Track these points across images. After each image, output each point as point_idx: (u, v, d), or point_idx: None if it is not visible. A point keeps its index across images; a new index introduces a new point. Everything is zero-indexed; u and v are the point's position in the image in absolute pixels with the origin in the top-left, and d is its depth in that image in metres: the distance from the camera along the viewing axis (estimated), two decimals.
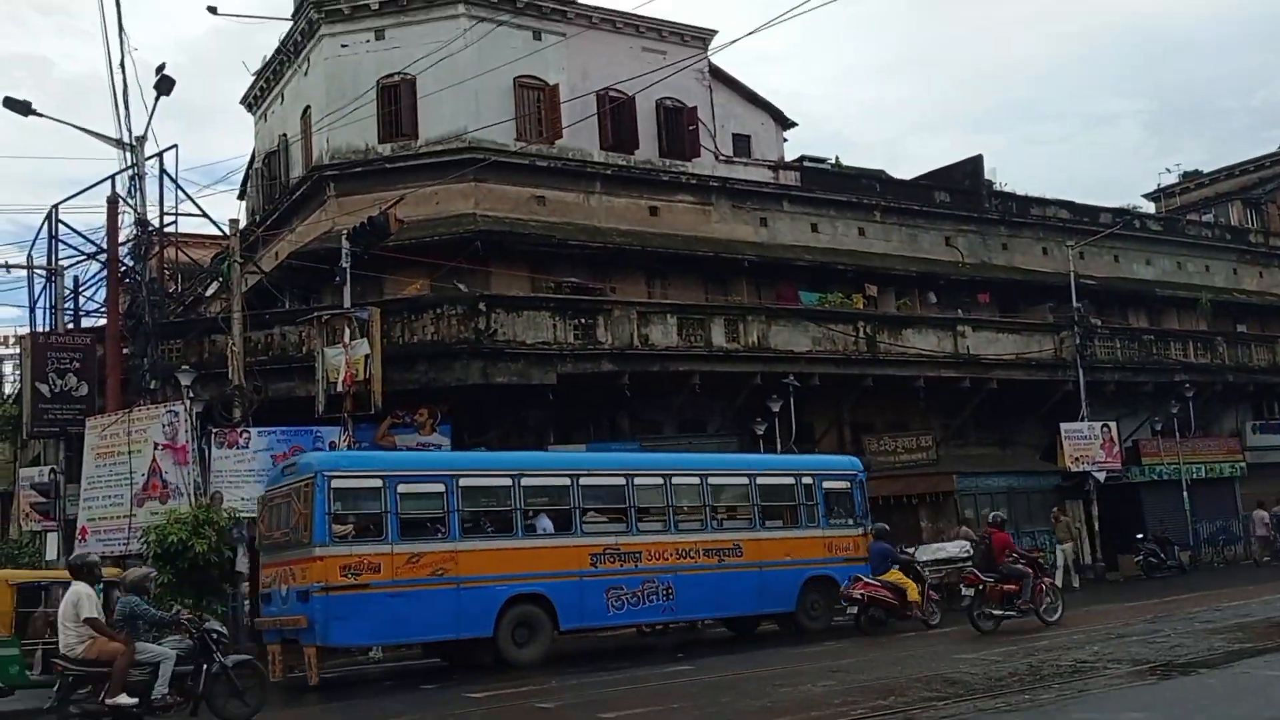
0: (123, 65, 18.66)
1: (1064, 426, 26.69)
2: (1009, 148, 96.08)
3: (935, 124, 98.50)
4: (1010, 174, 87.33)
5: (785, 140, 30.12)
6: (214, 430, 18.56)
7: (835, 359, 24.33)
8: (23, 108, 20.06)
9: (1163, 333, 31.88)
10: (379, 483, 13.84)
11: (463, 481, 14.39)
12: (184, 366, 18.93)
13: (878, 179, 31.06)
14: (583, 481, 15.38)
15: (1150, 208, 42.71)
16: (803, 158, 30.79)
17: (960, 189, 31.48)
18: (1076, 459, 26.59)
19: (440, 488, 14.24)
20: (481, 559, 14.07)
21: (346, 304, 19.17)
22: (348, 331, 18.90)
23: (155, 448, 18.29)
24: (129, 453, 18.46)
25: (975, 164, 32.21)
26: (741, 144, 28.59)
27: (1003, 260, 31.30)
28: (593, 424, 22.93)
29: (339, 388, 18.71)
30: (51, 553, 20.24)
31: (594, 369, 21.52)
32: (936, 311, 28.26)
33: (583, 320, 21.62)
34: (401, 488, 13.90)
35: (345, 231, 19.85)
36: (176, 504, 17.36)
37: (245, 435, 18.65)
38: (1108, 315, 31.58)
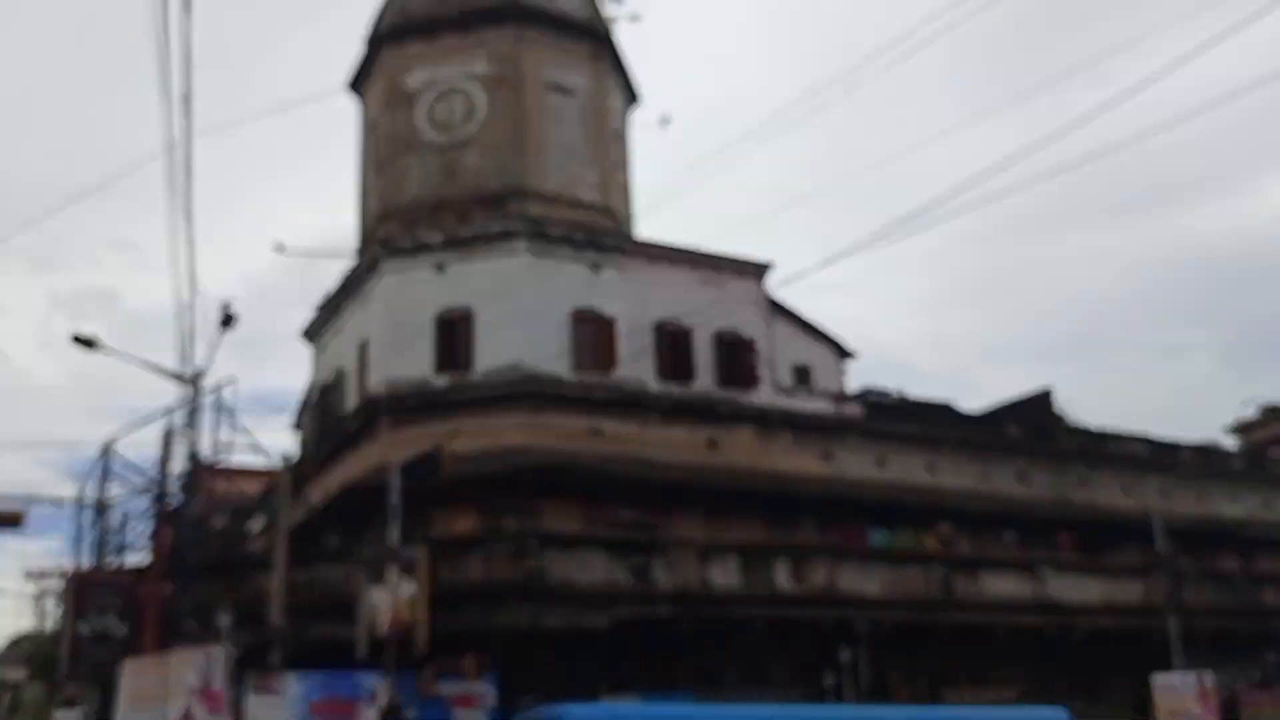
0: (191, 306, 18.96)
1: (1156, 678, 24.51)
2: (1078, 378, 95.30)
3: (1001, 354, 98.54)
4: (1082, 406, 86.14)
5: (846, 372, 29.67)
6: (251, 675, 17.61)
7: (908, 604, 22.81)
8: (90, 344, 20.33)
9: (1256, 576, 29.90)
10: None
11: None
12: (223, 607, 18.18)
13: (945, 411, 30.25)
14: None
15: (1231, 442, 41.28)
16: (866, 389, 30.22)
17: (1032, 422, 30.53)
18: (1171, 713, 24.22)
19: None
20: None
21: (394, 542, 18.45)
22: (394, 571, 18.13)
23: (190, 694, 17.34)
24: (165, 698, 17.56)
25: (1046, 396, 31.39)
26: (802, 375, 28.15)
27: (1082, 498, 29.86)
28: (648, 673, 21.39)
29: (382, 631, 17.78)
30: None
31: (651, 614, 20.26)
32: (1015, 552, 26.74)
33: (639, 560, 20.56)
34: None
35: (397, 466, 19.37)
36: None
37: (281, 681, 17.70)
38: (1196, 556, 29.71)
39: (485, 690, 18.98)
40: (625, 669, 20.97)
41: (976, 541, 27.06)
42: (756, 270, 27.50)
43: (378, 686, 17.64)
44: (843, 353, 29.72)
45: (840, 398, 28.33)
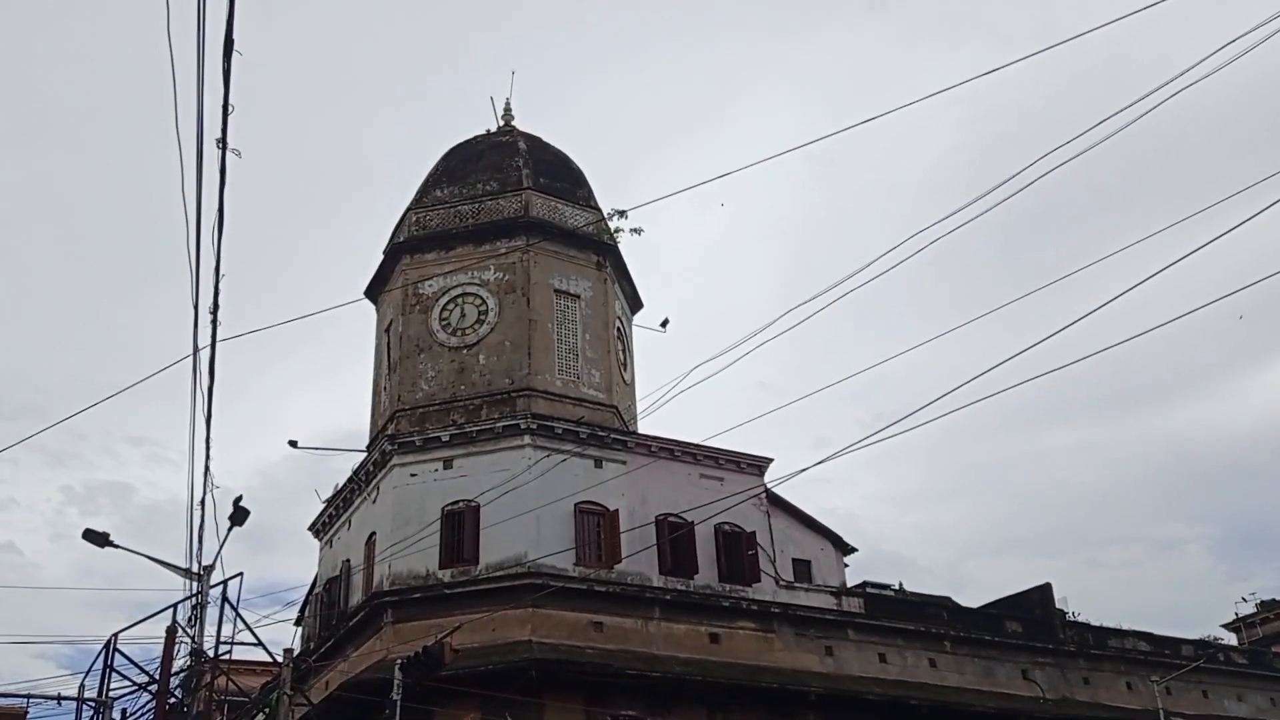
0: (202, 504, 19.51)
1: None
2: (1073, 571, 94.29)
3: (995, 548, 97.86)
4: (1080, 600, 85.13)
5: (846, 565, 29.90)
6: None
7: None
8: (100, 540, 20.78)
9: None
10: None
11: None
12: None
13: (945, 607, 30.30)
14: None
15: (1231, 638, 40.88)
16: (865, 583, 30.38)
17: (1031, 618, 30.50)
18: None
19: None
20: None
21: None
22: None
23: None
24: None
25: (1045, 592, 31.45)
26: (802, 569, 28.39)
27: (1085, 695, 29.51)
28: None
29: None
30: None
31: None
32: None
33: None
34: None
35: (399, 661, 19.47)
36: None
37: None
38: None
39: None
40: None
41: None
42: (756, 465, 28.20)
43: None
44: (843, 547, 30.04)
45: (840, 591, 28.47)
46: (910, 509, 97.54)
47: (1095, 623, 32.23)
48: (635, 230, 28.47)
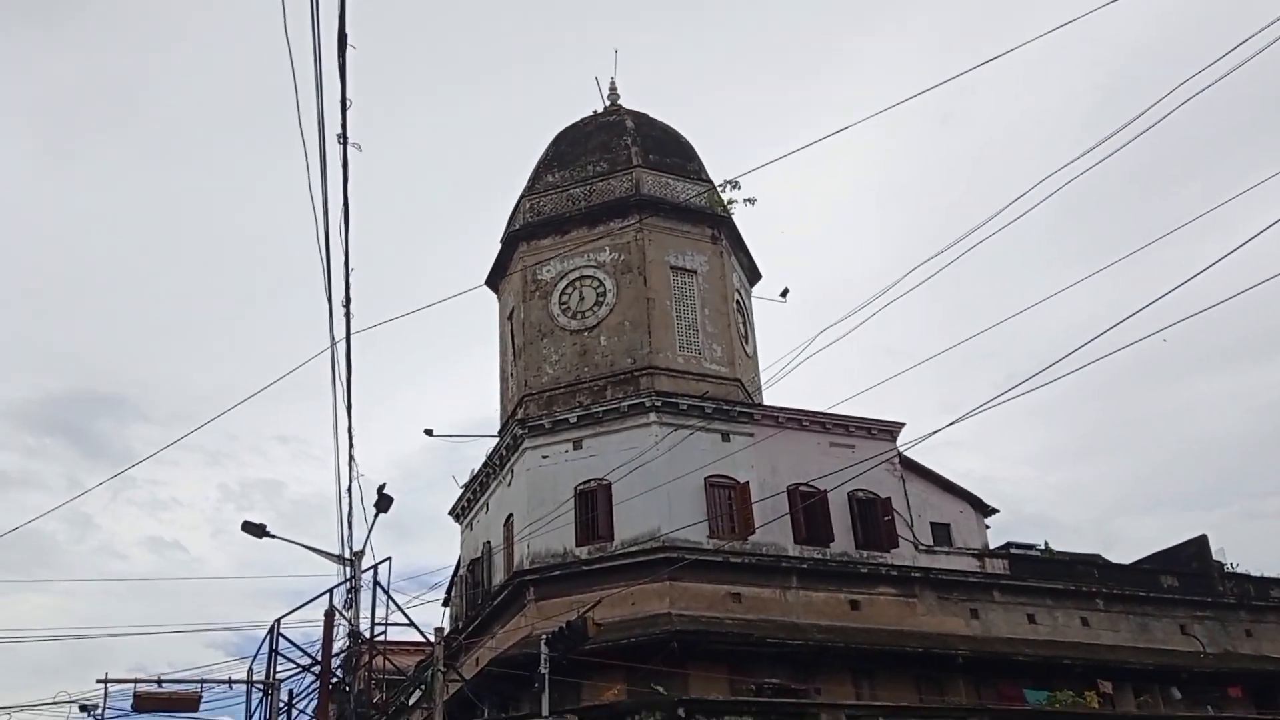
0: (350, 491, 20.30)
1: None
2: (1229, 524, 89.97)
3: (1144, 504, 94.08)
4: (1238, 552, 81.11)
5: (988, 527, 29.24)
6: None
7: None
8: (258, 531, 21.83)
9: None
10: None
11: None
12: None
13: (1095, 564, 29.35)
14: None
15: None
16: (1008, 544, 29.64)
17: (1188, 571, 29.29)
18: None
19: None
20: None
21: (545, 712, 18.80)
22: None
23: None
24: None
25: (1200, 544, 30.13)
26: (941, 533, 27.88)
27: (1249, 649, 28.21)
28: None
29: None
30: None
31: None
32: (1184, 709, 25.30)
33: None
34: None
35: (544, 637, 19.93)
36: None
37: None
38: None
39: None
40: None
41: (1142, 700, 25.73)
42: (888, 430, 27.80)
43: None
44: (983, 508, 29.36)
45: (983, 553, 27.87)
46: (1051, 469, 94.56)
47: (1256, 573, 30.74)
48: (749, 200, 28.20)
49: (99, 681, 20.94)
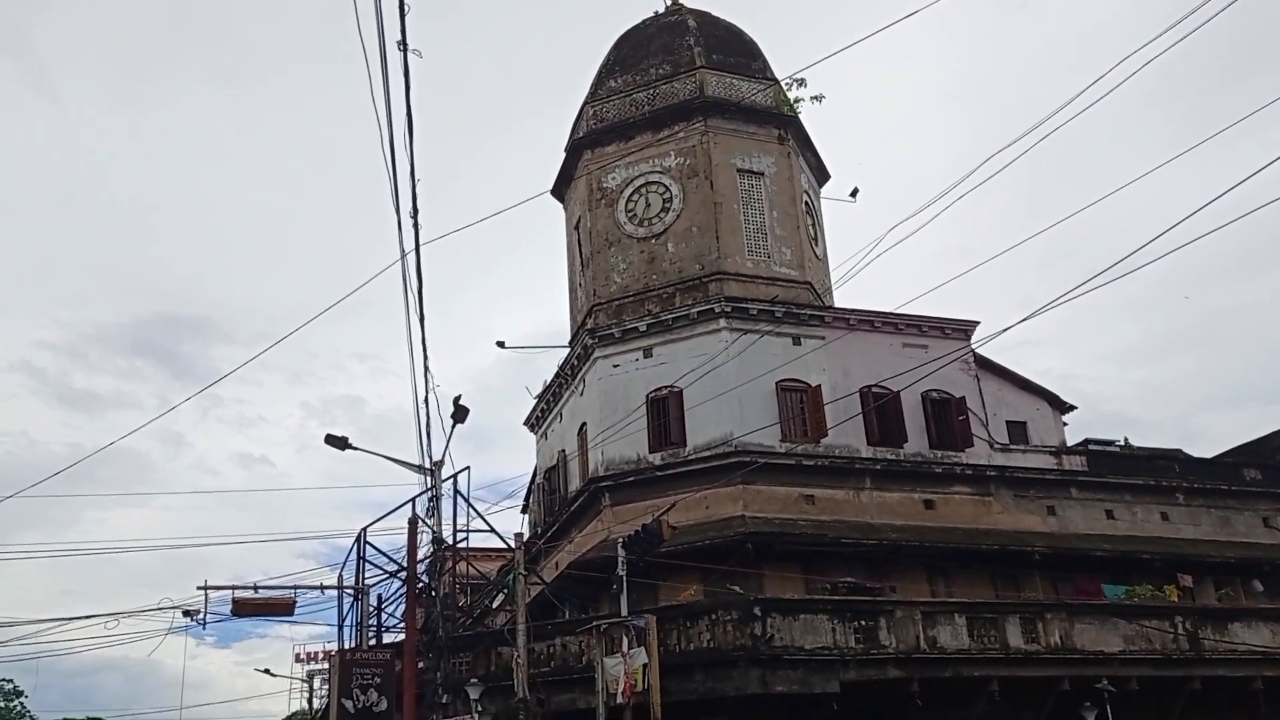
0: (426, 401, 20.67)
1: None
2: None
3: (1228, 399, 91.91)
4: None
5: (1065, 424, 28.86)
6: None
7: (1153, 659, 21.74)
8: (341, 443, 22.42)
9: None
10: None
11: None
12: (472, 680, 19.41)
13: (1175, 459, 28.89)
14: None
15: None
16: (1086, 441, 29.26)
17: (1272, 464, 28.67)
18: None
19: None
20: None
21: (623, 612, 19.30)
22: (625, 640, 18.94)
23: None
24: None
25: None
26: (1017, 431, 27.61)
27: None
28: None
29: (619, 699, 18.54)
30: None
31: (879, 675, 20.19)
32: (1265, 601, 25.05)
33: (863, 623, 20.58)
34: None
35: (620, 540, 20.34)
36: None
37: None
38: None
39: None
40: None
41: (1223, 593, 25.53)
42: (961, 329, 27.40)
43: None
44: (1060, 406, 28.94)
45: (1060, 451, 27.58)
46: (1132, 365, 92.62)
47: None
48: (816, 98, 27.74)
49: (199, 588, 21.90)
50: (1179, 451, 30.03)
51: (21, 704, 45.57)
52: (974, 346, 26.98)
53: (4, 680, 45.19)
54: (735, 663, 19.54)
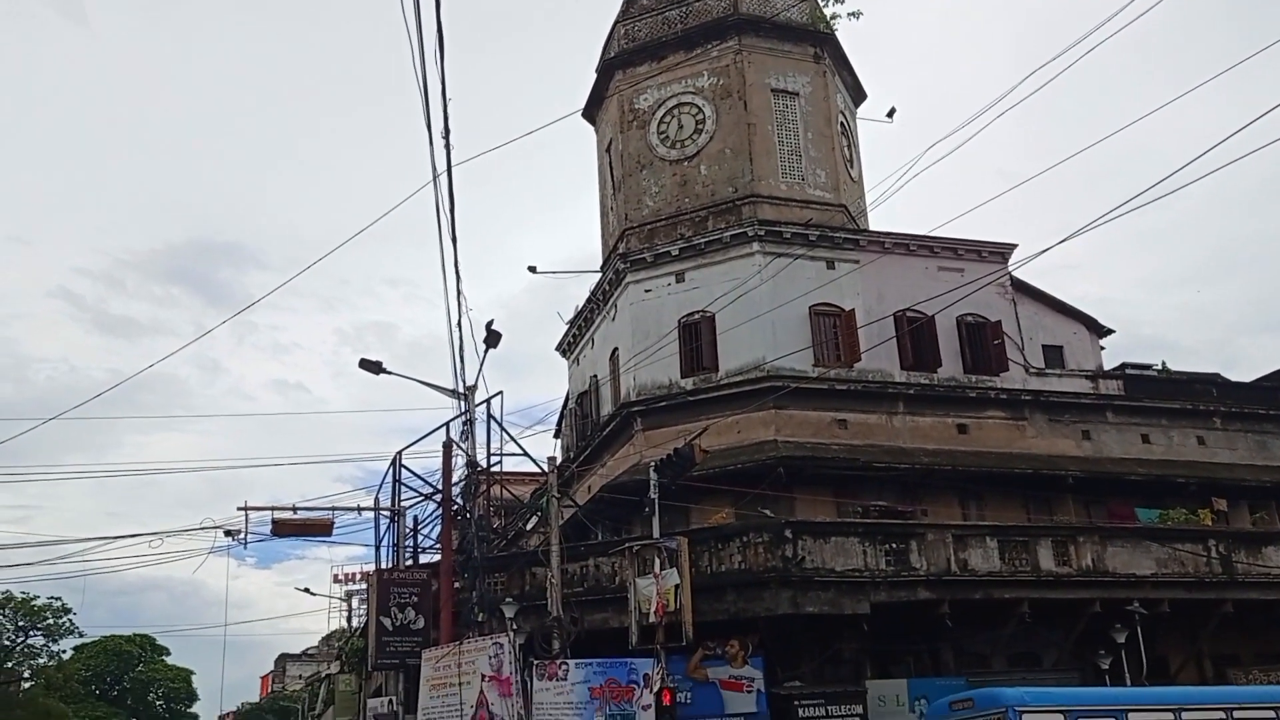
0: (460, 324, 20.79)
1: None
2: None
3: (1266, 323, 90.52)
4: None
5: (1103, 348, 28.54)
6: (535, 662, 19.04)
7: (1185, 582, 21.76)
8: (375, 367, 22.66)
9: None
10: (1060, 717, 14.85)
11: (1132, 716, 15.21)
12: (508, 599, 19.76)
13: (1213, 383, 28.53)
14: (1236, 716, 15.48)
15: None
16: (1123, 365, 28.94)
17: None
18: None
19: None
20: None
21: (655, 534, 19.52)
22: (658, 562, 19.17)
23: (482, 679, 18.91)
24: (459, 684, 19.21)
25: None
26: (1053, 355, 27.34)
27: None
28: (912, 657, 21.51)
29: (651, 618, 18.82)
30: None
31: (909, 597, 20.37)
32: None
33: (894, 545, 20.71)
34: None
35: (652, 464, 20.47)
36: None
37: (564, 667, 18.96)
38: None
39: (753, 675, 19.65)
40: (888, 653, 21.21)
41: (1258, 516, 25.40)
42: (999, 252, 26.99)
43: (651, 673, 18.59)
44: (1097, 329, 28.58)
45: (1097, 375, 27.32)
46: (1171, 290, 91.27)
47: None
48: (853, 14, 26.91)
49: (239, 509, 22.43)
50: (1217, 376, 29.66)
51: (70, 621, 47.11)
52: (1011, 269, 26.62)
53: (53, 598, 46.65)
54: (766, 584, 19.77)
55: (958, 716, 15.43)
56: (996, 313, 26.39)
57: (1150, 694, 17.26)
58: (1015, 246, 26.99)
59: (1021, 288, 27.37)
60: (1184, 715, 15.51)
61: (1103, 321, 28.64)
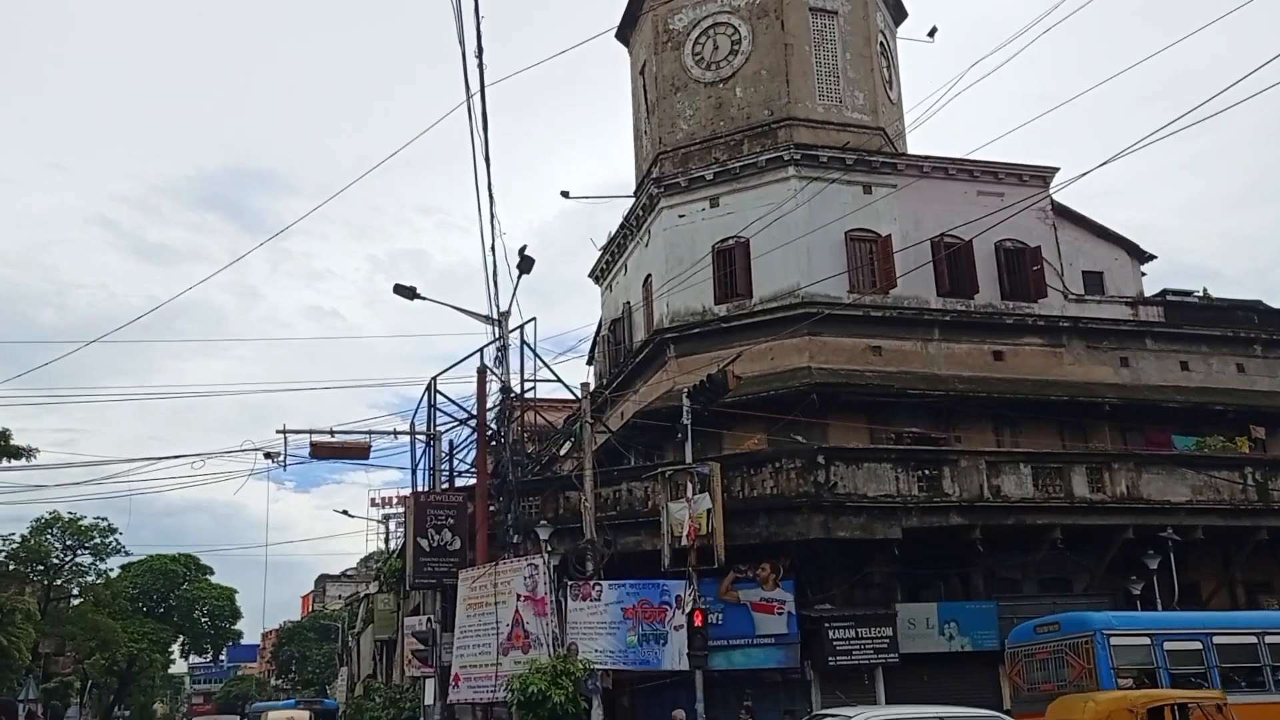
0: (494, 248, 20.78)
1: None
2: None
3: None
4: None
5: (1144, 274, 28.11)
6: (569, 583, 19.40)
7: (1220, 509, 21.70)
8: (409, 292, 22.80)
9: None
10: (1147, 640, 15.00)
11: (1217, 639, 15.27)
12: (542, 522, 20.08)
13: (1255, 310, 28.05)
14: None
15: None
16: (1164, 291, 28.50)
17: None
18: None
19: (1198, 645, 15.14)
20: (1242, 713, 13.72)
21: (688, 460, 19.68)
22: (690, 487, 19.37)
23: (518, 599, 19.33)
24: (495, 604, 19.65)
25: None
26: (1093, 281, 26.96)
27: None
28: (942, 581, 21.69)
29: (683, 542, 19.08)
30: (429, 698, 21.66)
31: (941, 523, 20.47)
32: None
33: (927, 472, 20.75)
34: (1167, 645, 14.96)
35: (685, 390, 20.56)
36: (537, 654, 18.13)
37: (597, 588, 19.35)
38: None
39: (784, 597, 19.92)
40: (919, 577, 21.40)
41: None
42: (1039, 176, 26.49)
43: (683, 593, 18.91)
44: (1139, 255, 28.11)
45: (1137, 301, 26.94)
46: (1215, 217, 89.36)
47: None
48: None
49: (278, 432, 22.80)
50: (1259, 303, 29.12)
51: (117, 540, 48.39)
52: (1052, 193, 26.14)
53: (99, 518, 47.90)
54: (798, 509, 19.93)
55: (1043, 639, 15.60)
56: (1036, 238, 26.00)
57: (1234, 618, 17.41)
58: (1057, 170, 26.52)
59: (1062, 212, 26.91)
60: (1267, 639, 15.57)
61: (1144, 247, 28.16)
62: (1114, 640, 14.48)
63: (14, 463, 29.80)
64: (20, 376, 55.42)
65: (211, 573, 63.89)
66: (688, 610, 18.50)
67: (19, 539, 43.74)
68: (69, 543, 47.07)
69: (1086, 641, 14.68)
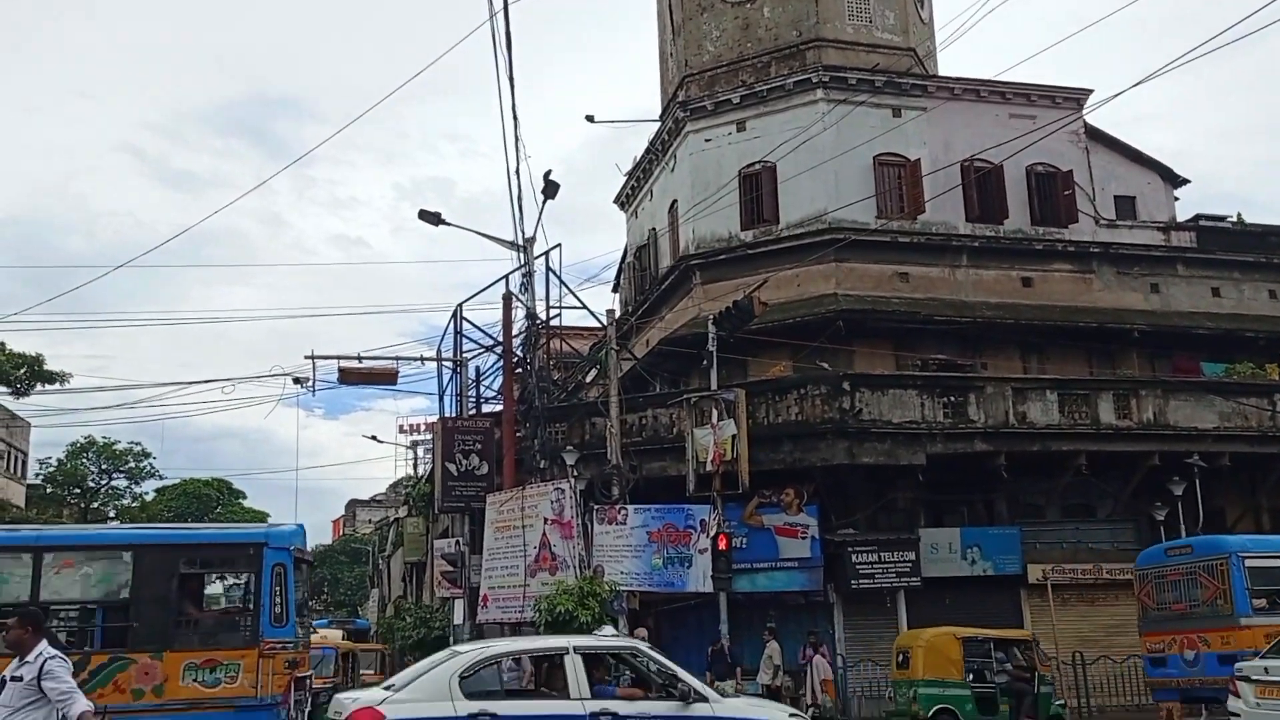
0: (518, 172, 20.64)
1: None
2: None
3: None
4: None
5: (1177, 199, 27.62)
6: (595, 507, 19.64)
7: (1248, 436, 21.59)
8: (434, 218, 22.74)
9: None
10: None
11: None
12: (568, 447, 20.26)
13: None
14: None
15: None
16: (1197, 216, 28.03)
17: None
18: None
19: None
20: None
21: (713, 386, 19.72)
22: (715, 413, 19.44)
23: (545, 522, 19.59)
24: (523, 527, 19.93)
25: None
26: (1125, 206, 26.54)
27: None
28: (966, 507, 21.81)
29: (708, 467, 19.22)
30: (458, 618, 22.15)
31: (966, 449, 20.51)
32: None
33: (952, 398, 20.75)
34: None
35: (711, 317, 20.52)
36: (564, 575, 18.44)
37: (623, 512, 19.58)
38: None
39: (808, 522, 20.11)
40: (943, 503, 21.53)
41: None
42: (1073, 98, 25.91)
43: (708, 518, 19.10)
44: (1172, 179, 27.60)
45: (1169, 226, 26.52)
46: (1251, 141, 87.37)
47: None
48: None
49: (306, 358, 23.00)
50: None
51: (150, 465, 49.23)
52: (1085, 115, 25.61)
53: (133, 443, 48.72)
54: (823, 435, 20.03)
55: (1175, 561, 15.54)
56: (1068, 162, 25.55)
57: None
58: (1090, 92, 25.97)
59: (1095, 135, 26.40)
60: None
61: (1178, 172, 27.64)
62: (1249, 562, 14.35)
63: (48, 387, 30.27)
64: (50, 301, 56.20)
65: (244, 497, 65.06)
66: (712, 534, 18.67)
67: (55, 463, 44.58)
68: (104, 466, 47.96)
69: (1221, 563, 14.60)
